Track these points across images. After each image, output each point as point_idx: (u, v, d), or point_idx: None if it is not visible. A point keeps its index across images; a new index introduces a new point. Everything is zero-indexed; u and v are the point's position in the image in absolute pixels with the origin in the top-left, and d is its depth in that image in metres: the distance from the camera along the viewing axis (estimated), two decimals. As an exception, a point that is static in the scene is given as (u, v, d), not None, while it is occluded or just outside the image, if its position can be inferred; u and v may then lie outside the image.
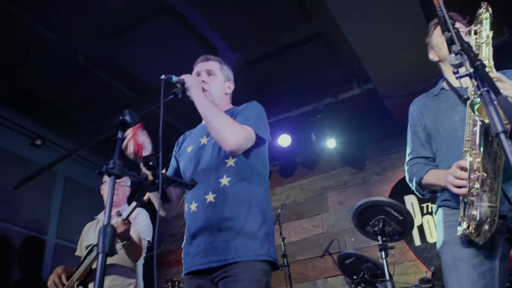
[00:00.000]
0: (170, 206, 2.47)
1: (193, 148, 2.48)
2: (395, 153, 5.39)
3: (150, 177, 2.00)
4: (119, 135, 1.96)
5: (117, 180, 3.69)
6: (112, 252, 1.74)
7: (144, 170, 2.00)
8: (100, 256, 1.67)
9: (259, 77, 4.84)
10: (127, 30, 4.10)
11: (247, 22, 4.12)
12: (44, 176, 3.75)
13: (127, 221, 3.20)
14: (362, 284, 3.97)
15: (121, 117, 1.98)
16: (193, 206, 2.28)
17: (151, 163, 1.99)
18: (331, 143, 5.37)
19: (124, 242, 3.23)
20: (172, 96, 2.30)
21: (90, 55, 4.37)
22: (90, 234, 3.74)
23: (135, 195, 2.14)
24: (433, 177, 2.17)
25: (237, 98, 2.72)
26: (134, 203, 3.16)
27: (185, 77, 2.29)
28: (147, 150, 2.28)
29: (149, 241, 3.61)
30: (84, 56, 4.36)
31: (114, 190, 1.84)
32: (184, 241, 2.39)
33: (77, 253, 3.81)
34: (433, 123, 2.28)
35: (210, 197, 2.25)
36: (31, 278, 4.91)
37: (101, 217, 3.81)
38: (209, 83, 2.52)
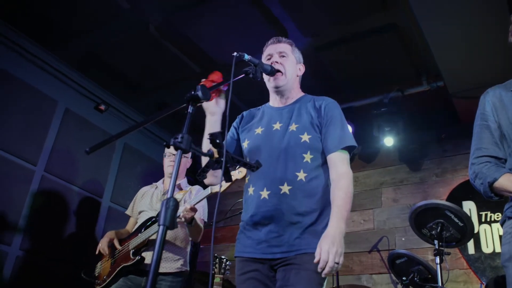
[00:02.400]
0: (218, 179, 2.48)
1: (263, 130, 2.47)
2: (457, 155, 5.20)
3: (216, 155, 2.00)
4: (189, 110, 1.96)
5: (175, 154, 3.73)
6: (173, 226, 1.75)
7: (210, 146, 1.99)
8: (161, 228, 1.69)
9: (327, 63, 4.74)
10: (199, 4, 4.10)
11: (321, 6, 4.02)
12: (103, 137, 3.86)
13: (195, 208, 3.25)
14: (410, 287, 3.88)
15: (192, 92, 1.97)
16: (265, 193, 2.28)
17: (218, 141, 1.98)
18: (388, 141, 5.22)
19: (190, 223, 3.28)
20: (243, 75, 2.27)
21: (161, 27, 4.39)
22: (145, 199, 3.80)
23: (198, 171, 2.13)
24: (511, 182, 2.00)
25: (304, 82, 2.69)
26: (207, 191, 3.14)
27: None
28: (218, 105, 2.30)
29: (205, 221, 3.69)
30: (155, 27, 4.39)
31: (179, 164, 1.85)
32: (243, 223, 2.39)
33: (127, 212, 3.92)
34: (510, 123, 2.10)
35: (285, 189, 2.25)
36: (85, 236, 5.09)
37: (160, 185, 3.86)
38: (284, 64, 2.50)
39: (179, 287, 3.46)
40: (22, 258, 4.43)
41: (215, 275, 3.69)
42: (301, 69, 2.64)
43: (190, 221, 3.26)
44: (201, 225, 3.54)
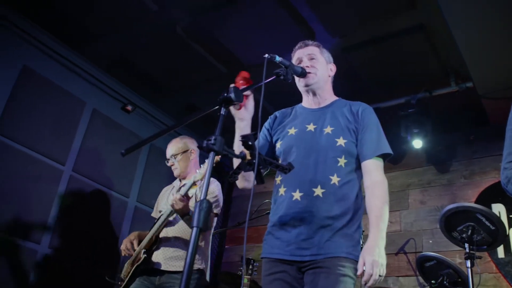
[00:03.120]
0: (251, 183, 2.47)
1: (297, 131, 2.46)
2: (487, 157, 5.11)
3: (248, 157, 1.99)
4: (222, 112, 1.96)
5: (172, 154, 3.71)
6: (206, 227, 1.76)
7: (242, 148, 1.99)
8: (194, 230, 1.70)
9: (354, 64, 4.70)
10: (226, 5, 4.11)
11: (349, 6, 3.99)
12: (132, 142, 3.90)
13: (185, 197, 3.21)
14: (439, 290, 3.83)
15: (225, 94, 1.97)
16: (297, 195, 2.27)
17: (250, 143, 1.98)
18: (417, 143, 5.15)
19: (184, 217, 3.25)
20: (274, 77, 2.27)
21: (188, 28, 4.42)
22: (164, 198, 3.80)
23: (230, 173, 2.13)
24: None
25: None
26: (191, 180, 3.19)
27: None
28: (247, 109, 2.28)
29: (216, 214, 3.61)
30: (183, 28, 4.42)
31: (212, 166, 1.85)
32: (272, 224, 2.38)
33: (152, 214, 3.90)
34: None
35: (319, 191, 2.25)
36: (111, 236, 5.14)
37: (176, 183, 3.83)
38: (315, 66, 2.49)
39: (194, 284, 3.36)
40: (50, 256, 4.50)
41: (243, 276, 3.70)
42: (332, 69, 2.63)
43: (183, 214, 3.23)
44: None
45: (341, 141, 2.33)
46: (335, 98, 2.60)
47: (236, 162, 2.27)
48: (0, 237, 4.16)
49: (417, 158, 5.51)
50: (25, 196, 4.42)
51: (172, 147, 3.79)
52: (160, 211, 3.67)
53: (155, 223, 3.48)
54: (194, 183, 3.20)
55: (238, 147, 2.24)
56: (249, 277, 3.72)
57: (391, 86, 4.99)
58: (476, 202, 4.88)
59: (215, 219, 3.65)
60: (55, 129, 4.80)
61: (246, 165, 2.01)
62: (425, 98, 4.91)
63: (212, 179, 3.71)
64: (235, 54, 4.66)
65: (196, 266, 3.40)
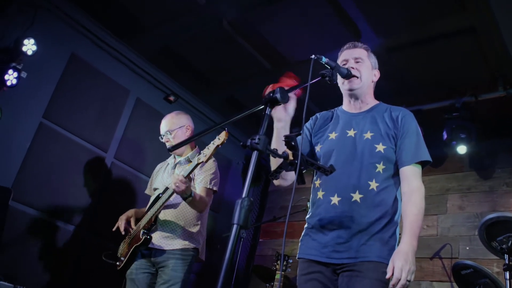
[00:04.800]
0: (288, 181, 2.47)
1: (337, 136, 2.47)
2: (531, 166, 4.97)
3: (291, 157, 2.01)
4: (267, 111, 1.99)
5: (167, 130, 3.71)
6: (246, 225, 1.79)
7: (285, 148, 2.01)
8: (235, 227, 1.74)
9: (398, 65, 4.64)
10: (273, 2, 4.12)
11: (397, 6, 3.94)
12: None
13: (187, 179, 3.18)
14: (475, 299, 3.77)
15: (271, 94, 1.99)
16: (335, 199, 2.30)
17: (293, 143, 2.00)
18: (461, 149, 5.02)
19: (186, 198, 3.24)
20: (320, 77, 2.27)
21: (235, 22, 4.46)
22: (159, 175, 3.80)
23: (271, 172, 2.16)
24: None
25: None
26: (194, 163, 3.16)
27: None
28: (287, 112, 2.29)
29: (215, 191, 3.59)
30: (229, 22, 4.46)
31: (254, 165, 1.88)
32: (309, 225, 2.41)
33: (146, 192, 3.93)
34: None
35: (357, 197, 2.26)
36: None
37: (171, 160, 3.80)
38: (359, 69, 2.48)
39: (189, 260, 3.41)
40: (90, 238, 4.64)
41: (276, 271, 3.73)
42: (376, 74, 2.62)
43: (185, 196, 3.21)
44: (203, 194, 3.46)
45: (380, 147, 2.33)
46: (376, 102, 2.58)
47: (275, 161, 2.29)
48: (43, 219, 4.33)
49: (458, 163, 5.40)
50: (68, 180, 4.57)
51: (167, 123, 3.74)
52: (154, 189, 3.69)
53: (153, 203, 3.48)
54: (197, 165, 3.16)
55: (277, 146, 2.26)
56: (283, 273, 3.75)
57: (435, 88, 4.90)
58: (518, 210, 4.77)
59: (212, 196, 3.61)
60: (100, 116, 4.94)
61: (288, 165, 2.03)
62: (471, 102, 4.81)
63: None
64: (279, 51, 4.66)
65: (191, 246, 3.44)
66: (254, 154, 1.86)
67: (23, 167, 4.25)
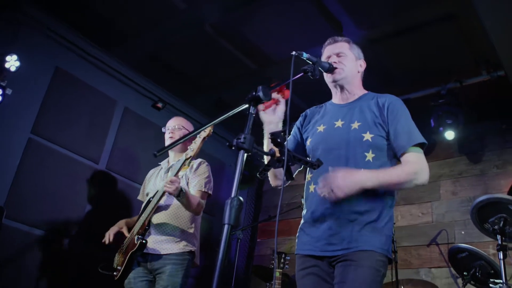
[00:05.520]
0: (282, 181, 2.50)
1: (325, 128, 2.48)
2: (519, 146, 5.02)
3: (277, 154, 2.03)
4: (251, 111, 2.00)
5: (176, 125, 3.76)
6: (237, 224, 1.80)
7: (271, 146, 2.03)
8: (226, 227, 1.75)
9: (382, 56, 4.67)
10: (253, 1, 4.13)
11: (377, -2, 3.98)
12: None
13: (177, 178, 3.21)
14: (472, 282, 3.80)
15: (254, 93, 2.01)
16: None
17: (279, 140, 2.01)
18: (449, 134, 5.08)
19: (178, 196, 3.24)
20: (302, 73, 2.29)
21: (217, 25, 4.47)
22: (152, 181, 3.82)
23: (260, 170, 2.17)
24: None
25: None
26: (182, 159, 3.19)
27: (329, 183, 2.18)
28: (276, 114, 2.35)
29: (209, 194, 3.60)
30: (211, 25, 4.47)
31: (242, 165, 1.89)
32: (303, 220, 2.43)
33: (139, 197, 3.93)
34: None
35: None
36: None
37: (164, 165, 3.85)
38: (342, 62, 2.49)
39: (185, 264, 3.41)
40: (85, 252, 4.62)
41: (275, 270, 3.73)
42: (361, 65, 2.62)
43: (177, 193, 3.22)
44: (197, 196, 3.47)
45: (367, 136, 2.33)
46: (364, 92, 2.59)
47: (267, 160, 2.31)
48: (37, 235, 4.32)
49: (448, 149, 5.45)
50: (61, 194, 4.55)
51: (179, 120, 3.89)
52: (147, 194, 3.70)
53: (145, 207, 3.48)
54: (186, 160, 3.19)
55: (267, 145, 2.29)
56: (281, 270, 3.76)
57: (421, 77, 4.94)
58: (509, 192, 4.78)
59: (206, 199, 3.61)
60: (89, 128, 4.92)
61: (275, 162, 2.05)
62: (456, 88, 4.85)
63: (202, 159, 3.73)
64: (263, 50, 4.68)
65: (187, 248, 3.44)
66: (241, 154, 1.87)
67: (14, 184, 4.22)
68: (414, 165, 2.27)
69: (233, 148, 1.89)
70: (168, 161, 3.83)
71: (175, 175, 3.23)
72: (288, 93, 2.27)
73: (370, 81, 2.86)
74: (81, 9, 4.47)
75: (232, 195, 1.80)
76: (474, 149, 5.31)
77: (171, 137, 3.80)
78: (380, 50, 4.61)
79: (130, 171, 5.23)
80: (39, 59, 4.57)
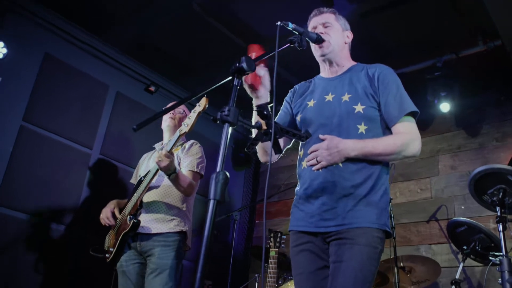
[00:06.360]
0: (273, 157, 2.43)
1: (315, 103, 2.42)
2: (519, 118, 4.95)
3: (264, 127, 1.97)
4: (235, 83, 1.94)
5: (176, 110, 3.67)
6: (223, 199, 1.75)
7: (258, 118, 1.97)
8: (211, 202, 1.70)
9: (374, 30, 4.57)
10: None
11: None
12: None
13: (171, 154, 3.12)
14: (472, 256, 3.76)
15: (237, 64, 1.95)
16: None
17: (265, 112, 1.95)
18: (444, 107, 5.01)
19: (170, 174, 3.17)
20: (288, 44, 2.22)
21: (205, 4, 4.38)
22: (144, 163, 3.77)
23: (247, 144, 2.11)
24: None
25: (352, 52, 2.62)
26: (177, 134, 3.09)
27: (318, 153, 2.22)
28: (264, 87, 2.28)
29: (202, 175, 3.54)
30: (199, 4, 4.38)
31: (227, 138, 1.84)
32: (297, 196, 2.37)
33: (131, 181, 3.86)
34: None
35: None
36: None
37: (158, 147, 3.77)
38: (328, 33, 2.43)
39: (176, 246, 3.32)
40: (83, 240, 4.58)
41: (271, 249, 3.70)
42: (349, 36, 2.57)
43: (169, 172, 3.15)
44: (189, 177, 3.40)
45: (359, 108, 2.27)
46: (353, 63, 2.53)
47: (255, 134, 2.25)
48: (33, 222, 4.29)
49: (446, 123, 5.37)
50: (55, 181, 4.52)
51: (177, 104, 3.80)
52: (139, 176, 3.61)
53: (137, 188, 3.41)
54: (180, 136, 3.09)
55: (254, 118, 2.23)
56: (277, 249, 3.72)
57: (415, 50, 4.82)
58: (509, 164, 4.73)
59: (199, 180, 3.54)
60: (81, 114, 4.89)
61: (262, 135, 1.99)
62: (452, 60, 4.75)
63: (194, 140, 3.66)
64: (253, 28, 4.60)
65: (178, 228, 3.37)
66: (226, 127, 1.81)
67: (8, 173, 4.19)
68: (404, 136, 2.23)
69: (217, 122, 1.84)
70: (162, 143, 3.76)
71: (169, 151, 3.12)
72: (265, 61, 2.21)
73: (364, 55, 2.80)
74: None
75: (217, 169, 1.75)
76: (472, 122, 5.22)
77: (171, 118, 3.72)
78: (372, 24, 4.50)
79: (125, 156, 5.18)
80: (27, 45, 4.53)
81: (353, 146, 2.15)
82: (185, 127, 3.06)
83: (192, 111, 3.03)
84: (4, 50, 4.21)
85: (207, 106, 2.95)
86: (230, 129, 1.79)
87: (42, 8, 4.59)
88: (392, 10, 4.32)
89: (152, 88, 5.51)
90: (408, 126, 2.25)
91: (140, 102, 5.44)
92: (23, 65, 4.47)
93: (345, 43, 2.54)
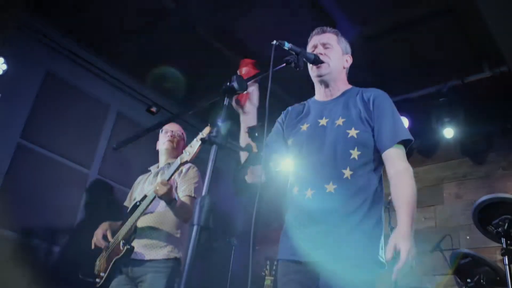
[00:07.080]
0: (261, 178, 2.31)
1: (309, 126, 2.33)
2: (527, 146, 4.84)
3: (254, 149, 1.90)
4: (225, 102, 1.86)
5: (178, 130, 3.60)
6: (207, 225, 1.66)
7: (248, 140, 1.89)
8: (195, 228, 1.62)
9: (378, 53, 4.53)
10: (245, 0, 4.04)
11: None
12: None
13: (169, 181, 3.02)
14: (476, 290, 3.61)
15: (228, 83, 1.88)
16: (309, 193, 2.15)
17: (256, 134, 1.88)
18: (448, 132, 4.92)
19: (171, 203, 3.08)
20: (284, 64, 2.15)
21: (207, 25, 4.39)
22: (140, 186, 3.67)
23: (238, 168, 2.03)
24: None
25: (353, 74, 2.54)
26: (177, 162, 2.98)
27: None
28: (251, 103, 2.20)
29: (194, 197, 3.40)
30: (201, 25, 4.38)
31: (215, 160, 1.75)
32: (287, 224, 2.26)
33: (125, 203, 3.74)
34: None
35: (331, 188, 2.11)
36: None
37: (154, 170, 3.68)
38: (328, 55, 2.35)
39: (168, 273, 3.20)
40: (78, 259, 4.48)
41: (266, 277, 3.58)
42: (348, 60, 2.48)
43: (169, 200, 3.06)
44: (187, 202, 3.30)
45: (352, 132, 2.18)
46: (348, 86, 2.45)
47: (243, 155, 2.16)
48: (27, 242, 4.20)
49: (451, 150, 5.27)
50: (52, 200, 4.44)
51: (177, 126, 3.73)
52: (134, 199, 3.49)
53: (131, 212, 3.30)
54: (180, 164, 2.98)
55: (246, 140, 2.13)
56: (272, 277, 3.60)
57: (420, 75, 4.78)
58: (516, 193, 4.62)
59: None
60: (80, 133, 4.83)
61: (252, 159, 1.91)
62: (457, 86, 4.70)
63: (191, 164, 3.50)
64: (255, 49, 4.54)
65: (173, 255, 3.26)
66: (213, 149, 1.74)
67: (2, 190, 4.12)
68: (407, 173, 2.12)
69: (205, 142, 1.76)
70: (158, 166, 3.67)
71: (168, 180, 3.04)
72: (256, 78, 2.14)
73: (367, 80, 2.73)
74: (71, 12, 4.41)
75: (203, 193, 1.67)
76: (478, 150, 5.12)
77: (169, 141, 3.63)
78: (376, 48, 4.47)
79: (123, 177, 5.07)
80: (28, 62, 4.50)
81: (411, 226, 1.96)
82: (186, 156, 2.91)
83: (195, 139, 2.93)
84: (4, 66, 4.18)
85: (210, 132, 2.86)
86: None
87: (45, 25, 4.58)
88: (398, 34, 4.29)
89: (154, 109, 5.45)
90: (399, 153, 2.16)
91: (141, 123, 5.36)
92: (24, 82, 4.44)
93: (344, 68, 2.46)
